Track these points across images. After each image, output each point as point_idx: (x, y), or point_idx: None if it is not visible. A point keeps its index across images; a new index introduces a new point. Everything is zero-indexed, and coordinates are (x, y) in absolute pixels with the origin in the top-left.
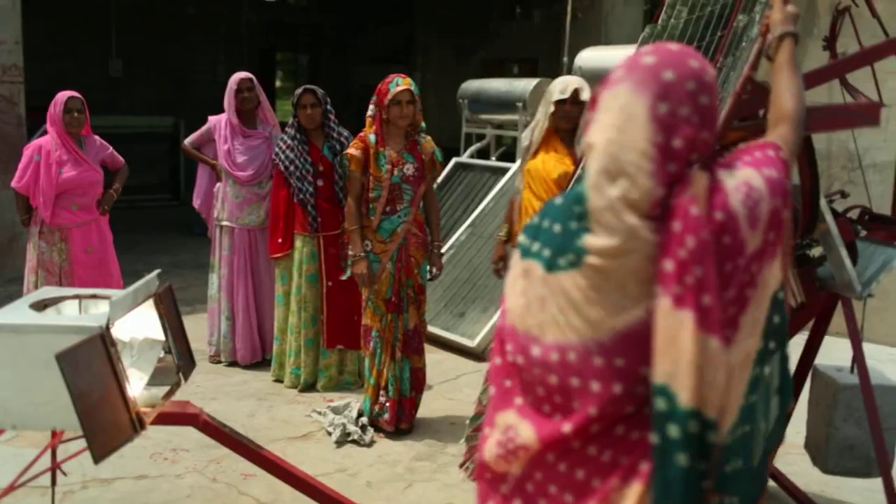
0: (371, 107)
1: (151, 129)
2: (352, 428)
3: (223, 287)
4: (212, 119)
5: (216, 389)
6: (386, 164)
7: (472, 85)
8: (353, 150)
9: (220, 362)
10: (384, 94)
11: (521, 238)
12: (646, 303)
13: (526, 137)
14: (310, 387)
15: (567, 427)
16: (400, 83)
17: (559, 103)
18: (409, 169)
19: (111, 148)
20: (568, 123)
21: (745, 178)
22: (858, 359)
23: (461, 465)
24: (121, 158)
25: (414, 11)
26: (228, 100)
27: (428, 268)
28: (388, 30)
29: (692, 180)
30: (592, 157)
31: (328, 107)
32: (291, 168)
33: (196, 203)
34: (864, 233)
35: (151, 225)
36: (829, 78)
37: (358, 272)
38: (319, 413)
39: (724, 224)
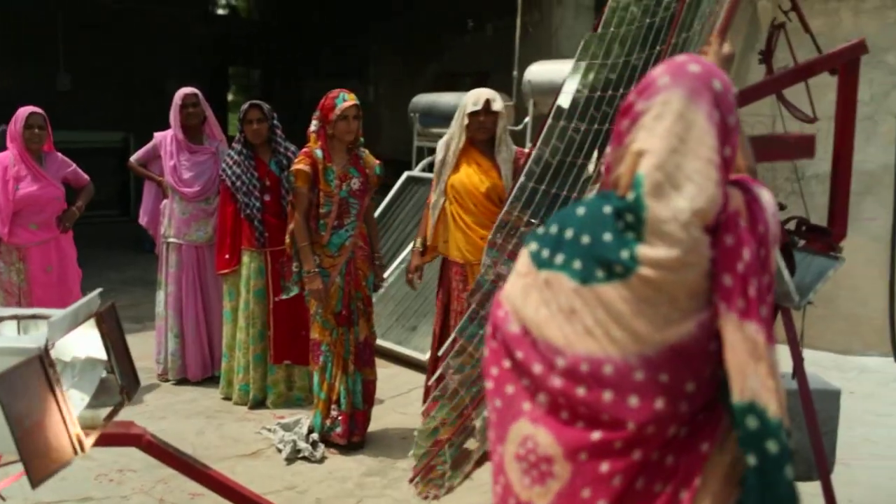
0: (314, 122)
1: (101, 144)
2: (302, 444)
3: (171, 304)
4: (157, 135)
5: (165, 408)
6: (334, 180)
7: (424, 99)
8: (301, 166)
9: (167, 380)
10: (329, 109)
11: (535, 248)
12: (696, 317)
13: (441, 150)
14: (259, 403)
15: (597, 435)
16: (347, 98)
17: (473, 115)
18: (356, 183)
19: (74, 165)
20: (484, 135)
21: (769, 197)
22: (797, 365)
23: (411, 481)
24: (85, 176)
25: (368, 25)
26: (174, 115)
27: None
28: (342, 43)
29: (731, 193)
30: (648, 165)
31: (275, 122)
32: (238, 183)
33: (143, 220)
34: (801, 243)
35: (101, 241)
36: (765, 94)
37: (314, 288)
38: (269, 430)
39: (763, 237)
